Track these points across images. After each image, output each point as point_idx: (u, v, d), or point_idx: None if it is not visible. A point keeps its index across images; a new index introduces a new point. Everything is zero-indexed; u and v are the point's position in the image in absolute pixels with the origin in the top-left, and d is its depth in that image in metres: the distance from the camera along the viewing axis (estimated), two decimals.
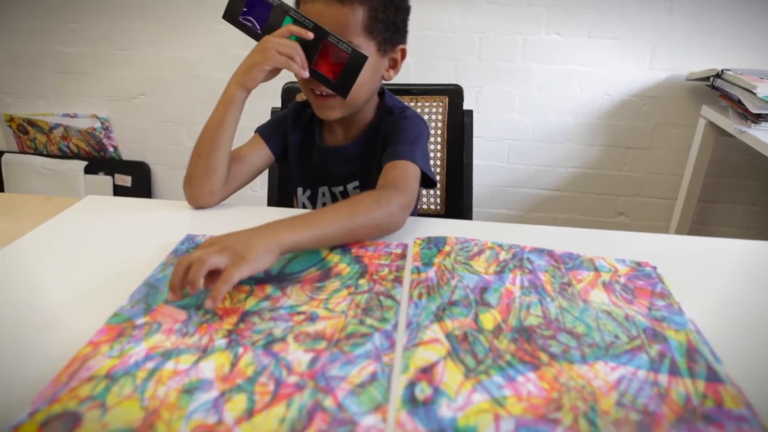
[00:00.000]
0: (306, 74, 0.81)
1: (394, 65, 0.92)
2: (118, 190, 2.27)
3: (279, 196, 1.26)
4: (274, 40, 0.80)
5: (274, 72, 0.84)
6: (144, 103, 2.19)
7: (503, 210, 2.13)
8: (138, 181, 2.27)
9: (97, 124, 2.22)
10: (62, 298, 0.63)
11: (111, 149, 2.26)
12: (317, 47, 0.80)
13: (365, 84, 0.87)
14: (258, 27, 0.84)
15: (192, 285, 0.58)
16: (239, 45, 1.94)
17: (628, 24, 1.83)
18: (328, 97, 0.87)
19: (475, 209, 1.29)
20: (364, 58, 0.80)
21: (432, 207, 1.28)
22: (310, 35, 0.79)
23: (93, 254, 0.73)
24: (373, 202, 0.73)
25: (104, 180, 2.27)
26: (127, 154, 2.28)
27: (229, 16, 0.84)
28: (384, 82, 0.94)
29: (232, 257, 0.59)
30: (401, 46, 0.91)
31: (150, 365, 0.50)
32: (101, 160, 2.28)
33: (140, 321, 0.57)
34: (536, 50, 1.89)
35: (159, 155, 2.26)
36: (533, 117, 1.98)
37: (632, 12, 1.81)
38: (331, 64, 0.82)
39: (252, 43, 0.85)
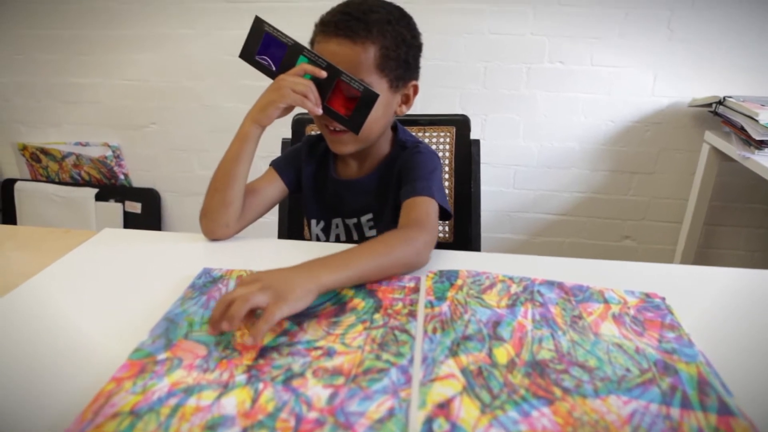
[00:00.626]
0: (319, 111, 0.84)
1: (407, 101, 0.94)
2: (129, 217, 2.30)
3: (289, 226, 1.28)
4: (288, 78, 0.83)
5: (289, 109, 0.86)
6: (154, 131, 2.23)
7: (509, 234, 2.14)
8: (148, 208, 2.30)
9: (109, 153, 2.26)
10: (82, 333, 0.64)
11: (122, 177, 2.30)
12: (330, 85, 0.83)
13: (378, 120, 0.89)
14: (273, 66, 0.86)
15: (231, 321, 0.59)
16: (246, 76, 1.99)
17: (630, 52, 1.86)
18: (341, 132, 0.89)
19: (482, 234, 1.31)
20: (376, 96, 0.82)
21: (440, 235, 1.29)
22: (324, 74, 0.82)
23: (111, 288, 0.75)
24: (401, 242, 0.76)
25: (115, 207, 2.30)
26: (138, 181, 2.31)
27: (246, 55, 0.87)
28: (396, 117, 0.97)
29: (273, 296, 0.61)
30: (413, 83, 0.93)
31: (173, 401, 0.52)
32: (112, 188, 2.31)
33: (161, 356, 0.58)
34: (540, 78, 1.93)
35: (168, 182, 2.30)
36: (538, 143, 2.01)
37: (633, 40, 1.84)
38: (344, 101, 0.85)
39: (262, 76, 0.88)
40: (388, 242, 0.76)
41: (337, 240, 1.03)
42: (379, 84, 0.86)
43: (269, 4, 1.96)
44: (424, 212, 0.84)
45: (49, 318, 0.68)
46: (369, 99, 0.83)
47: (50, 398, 0.54)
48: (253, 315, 0.62)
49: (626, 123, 1.95)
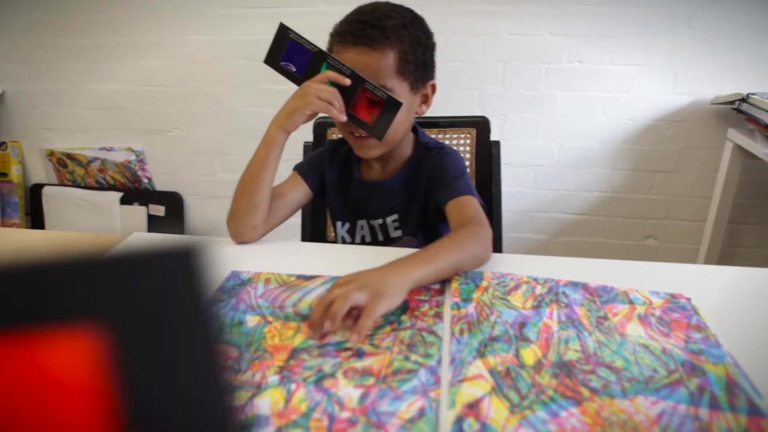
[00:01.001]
0: (344, 118, 0.86)
1: (426, 100, 0.96)
2: (152, 220, 2.34)
3: (312, 228, 1.29)
4: (314, 86, 0.85)
5: (313, 115, 0.88)
6: (176, 136, 2.26)
7: (530, 234, 2.14)
8: (171, 211, 2.34)
9: (132, 157, 2.30)
10: None
11: (145, 180, 2.34)
12: (354, 92, 0.85)
13: (401, 123, 0.91)
14: (298, 72, 0.88)
15: (334, 319, 0.61)
16: (266, 80, 2.02)
17: (650, 49, 1.85)
18: (365, 138, 0.91)
19: (503, 234, 1.31)
20: (399, 104, 0.85)
21: None
22: (348, 81, 0.84)
23: None
24: (470, 238, 0.79)
25: (139, 210, 2.34)
26: (161, 185, 2.35)
27: (270, 61, 0.89)
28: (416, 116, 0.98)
29: (371, 294, 0.63)
30: (431, 82, 0.95)
31: None
32: (136, 191, 2.35)
33: None
34: (559, 78, 1.92)
35: (191, 186, 2.33)
36: (558, 143, 2.00)
37: (654, 37, 1.83)
38: (368, 107, 0.87)
39: (281, 80, 0.90)
40: (462, 240, 0.79)
41: (363, 241, 1.05)
42: (400, 87, 0.88)
43: (287, 9, 1.98)
44: (475, 209, 0.87)
45: None
46: (392, 106, 0.85)
47: None
48: (350, 317, 0.64)
49: (646, 121, 1.93)
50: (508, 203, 2.08)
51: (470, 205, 0.88)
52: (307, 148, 1.29)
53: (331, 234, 1.23)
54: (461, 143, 1.28)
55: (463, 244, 0.77)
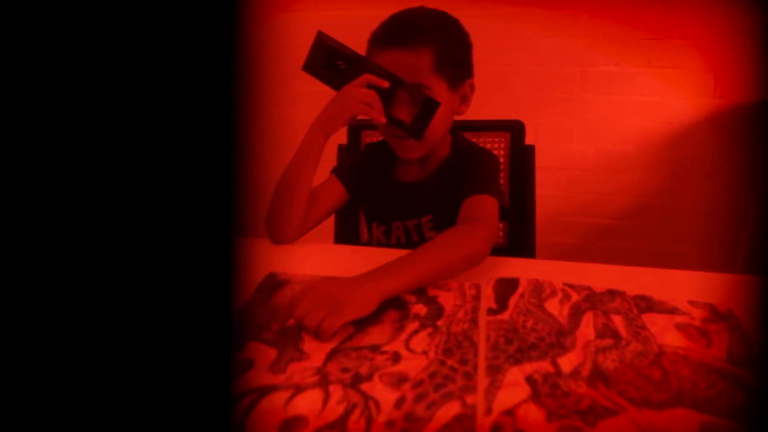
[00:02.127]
0: (383, 120, 0.88)
1: (465, 100, 0.97)
2: None
3: (345, 229, 1.30)
4: (353, 89, 0.87)
5: (352, 118, 0.90)
6: None
7: (563, 238, 2.12)
8: None
9: None
10: None
11: None
12: (392, 94, 0.87)
13: (440, 123, 0.92)
14: (336, 77, 0.89)
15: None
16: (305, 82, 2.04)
17: (690, 52, 1.81)
18: (406, 139, 0.92)
19: (536, 239, 1.31)
20: (437, 104, 0.86)
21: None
22: (386, 83, 0.85)
23: None
24: (459, 236, 0.79)
25: None
26: None
27: (309, 68, 0.90)
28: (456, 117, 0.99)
29: (331, 307, 0.64)
30: (470, 81, 0.96)
31: (246, 401, 0.54)
32: None
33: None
34: (595, 81, 1.90)
35: None
36: (593, 146, 1.98)
37: (693, 40, 1.79)
38: (406, 108, 0.89)
39: (315, 82, 0.92)
40: (446, 239, 0.78)
41: (398, 242, 1.05)
42: (438, 86, 0.90)
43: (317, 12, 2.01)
44: (481, 208, 0.86)
45: None
46: (430, 107, 0.87)
47: None
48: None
49: (684, 125, 1.90)
50: (541, 207, 2.06)
51: (480, 202, 0.87)
52: (342, 150, 1.30)
53: (363, 235, 1.24)
54: (495, 147, 1.28)
55: (449, 244, 0.76)
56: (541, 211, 2.07)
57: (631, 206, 2.01)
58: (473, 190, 0.90)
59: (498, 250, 1.25)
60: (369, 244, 1.12)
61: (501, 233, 1.30)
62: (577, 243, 2.10)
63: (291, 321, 0.66)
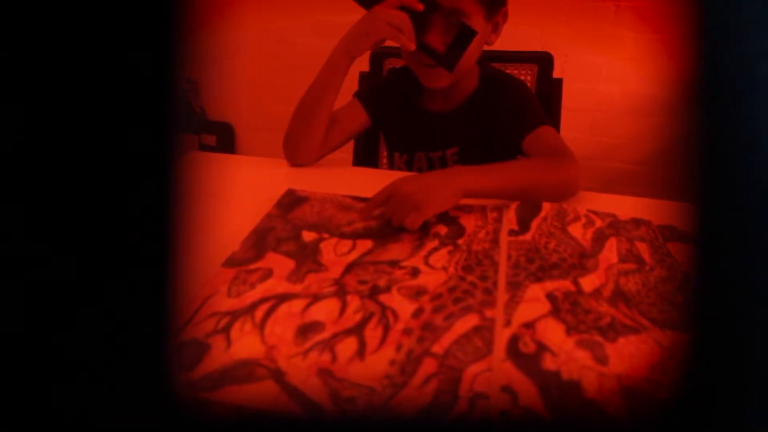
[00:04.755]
0: (413, 46, 0.83)
1: (496, 29, 0.92)
2: (203, 150, 2.39)
3: (364, 156, 1.28)
4: (383, 10, 0.82)
5: (380, 42, 0.86)
6: (230, 66, 2.26)
7: (585, 182, 2.08)
8: (222, 141, 2.38)
9: (186, 86, 2.32)
10: (176, 243, 0.68)
11: (198, 110, 2.37)
12: (426, 19, 0.82)
13: (472, 53, 0.87)
14: None
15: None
16: (326, 10, 1.98)
17: None
18: (434, 67, 0.88)
19: None
20: (474, 33, 0.81)
21: None
22: (420, 6, 0.81)
23: (201, 203, 0.78)
24: (553, 166, 0.78)
25: (191, 139, 2.37)
26: (213, 115, 2.38)
27: None
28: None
29: (411, 208, 0.66)
30: (504, 8, 0.91)
31: (266, 306, 0.54)
32: (189, 121, 2.39)
33: (253, 266, 0.61)
34: (630, 16, 1.82)
35: (243, 117, 2.35)
36: (620, 88, 1.91)
37: None
38: (440, 36, 0.83)
39: (342, 11, 0.88)
40: (542, 162, 0.77)
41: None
42: (476, 13, 0.85)
43: None
44: (556, 139, 0.84)
45: None
46: (466, 36, 0.82)
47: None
48: None
49: None
50: None
51: (550, 135, 0.85)
52: (363, 78, 1.27)
53: (383, 164, 1.23)
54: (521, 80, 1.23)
55: (540, 169, 0.75)
56: None
57: (656, 152, 1.96)
58: (534, 124, 0.86)
59: None
60: None
61: None
62: (597, 188, 2.07)
63: (311, 236, 0.66)
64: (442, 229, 0.68)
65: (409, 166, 1.04)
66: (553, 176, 0.76)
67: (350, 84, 1.15)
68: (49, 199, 0.34)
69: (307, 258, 0.63)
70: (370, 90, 1.04)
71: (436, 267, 0.60)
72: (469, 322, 0.51)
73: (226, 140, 2.38)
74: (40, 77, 0.32)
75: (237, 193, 0.82)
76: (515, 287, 0.56)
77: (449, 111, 0.98)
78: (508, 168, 0.72)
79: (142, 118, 0.34)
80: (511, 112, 0.90)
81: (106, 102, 0.33)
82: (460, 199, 0.67)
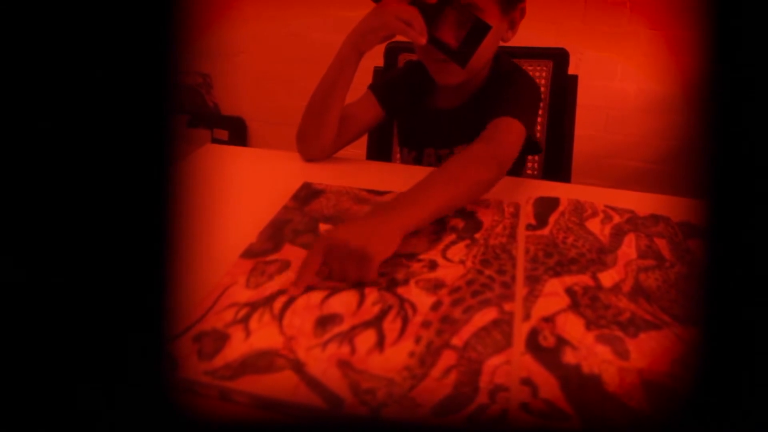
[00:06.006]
0: (423, 41, 0.80)
1: (513, 25, 0.90)
2: (216, 143, 2.40)
3: (378, 150, 1.28)
4: (393, 4, 0.80)
5: (390, 36, 0.84)
6: (243, 60, 2.27)
7: (598, 181, 2.07)
8: (235, 136, 2.38)
9: (199, 81, 2.33)
10: (194, 235, 0.69)
11: (211, 104, 2.38)
12: (438, 12, 0.80)
13: (486, 49, 0.85)
14: None
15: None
16: (338, 5, 1.97)
17: None
18: (447, 63, 0.86)
19: (571, 180, 1.28)
20: (488, 28, 0.78)
21: (529, 173, 1.27)
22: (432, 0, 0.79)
23: (218, 196, 0.79)
24: (468, 162, 0.73)
25: (203, 133, 2.39)
26: (225, 109, 2.38)
27: None
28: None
29: (357, 262, 0.57)
30: (521, 5, 0.89)
31: (284, 298, 0.55)
32: (201, 115, 2.40)
33: (271, 258, 0.61)
34: (646, 14, 1.80)
35: (255, 111, 2.36)
36: (636, 85, 1.90)
37: None
38: (452, 30, 0.81)
39: (358, 6, 0.87)
40: (455, 168, 0.72)
41: None
42: (490, 8, 0.82)
43: None
44: (503, 130, 0.79)
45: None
46: (480, 31, 0.79)
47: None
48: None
49: None
50: (576, 147, 2.01)
51: (500, 125, 0.79)
52: (378, 72, 1.27)
53: (396, 159, 1.22)
54: (536, 76, 1.23)
55: (460, 174, 0.70)
56: (576, 150, 2.02)
57: (669, 150, 1.95)
58: (498, 111, 0.81)
59: None
60: None
61: (536, 166, 1.27)
62: (611, 186, 2.06)
63: (327, 228, 0.66)
64: (459, 223, 0.68)
65: (418, 163, 1.04)
66: (477, 173, 0.70)
67: (365, 79, 1.15)
68: (56, 196, 0.34)
69: None
70: (385, 82, 1.03)
71: (453, 260, 0.60)
72: (488, 315, 0.51)
73: (238, 134, 2.38)
74: (46, 78, 0.32)
75: (252, 186, 0.82)
76: (534, 281, 0.56)
77: (457, 107, 0.96)
78: (434, 191, 0.66)
79: (153, 113, 0.34)
80: (498, 98, 0.86)
81: (116, 98, 0.33)
82: (401, 240, 0.60)
